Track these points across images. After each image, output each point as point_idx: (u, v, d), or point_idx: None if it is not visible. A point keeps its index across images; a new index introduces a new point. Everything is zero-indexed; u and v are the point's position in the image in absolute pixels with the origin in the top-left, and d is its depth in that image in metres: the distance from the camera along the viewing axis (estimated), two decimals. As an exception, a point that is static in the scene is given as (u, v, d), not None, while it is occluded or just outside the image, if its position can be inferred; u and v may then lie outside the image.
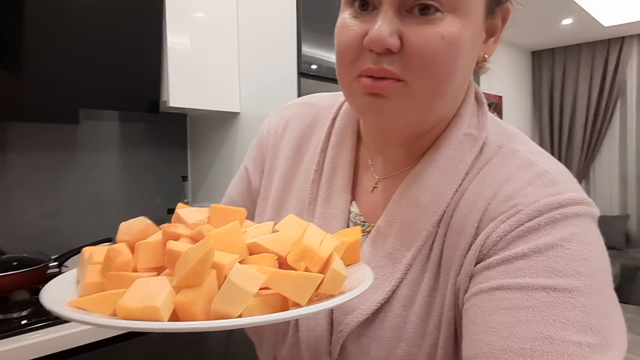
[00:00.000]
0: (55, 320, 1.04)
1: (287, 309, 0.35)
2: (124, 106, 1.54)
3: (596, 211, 0.43)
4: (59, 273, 1.33)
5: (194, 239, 0.37)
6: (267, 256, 0.37)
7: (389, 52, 0.41)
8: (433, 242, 0.46)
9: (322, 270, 0.37)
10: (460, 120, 0.49)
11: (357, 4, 0.43)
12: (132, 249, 0.38)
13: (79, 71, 1.33)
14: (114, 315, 0.32)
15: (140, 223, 0.40)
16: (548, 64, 4.67)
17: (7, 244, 1.29)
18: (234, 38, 1.69)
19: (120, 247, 0.37)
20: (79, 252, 1.55)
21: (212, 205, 0.41)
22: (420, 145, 0.50)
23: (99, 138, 1.66)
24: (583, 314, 0.37)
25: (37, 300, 1.24)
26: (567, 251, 0.39)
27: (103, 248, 0.38)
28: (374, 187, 0.53)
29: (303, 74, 1.62)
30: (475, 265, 0.43)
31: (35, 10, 1.22)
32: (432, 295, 0.45)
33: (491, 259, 0.41)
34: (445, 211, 0.46)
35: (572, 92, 4.54)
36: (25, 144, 1.48)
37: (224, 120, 1.78)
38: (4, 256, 1.24)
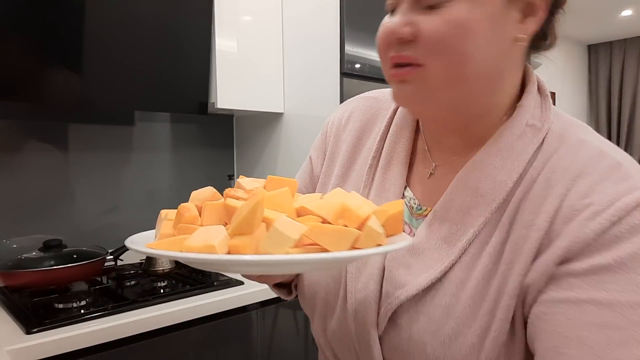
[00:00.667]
0: (111, 310, 1.10)
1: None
2: (175, 108, 1.60)
3: None
4: (115, 266, 1.40)
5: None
6: (312, 218, 0.40)
7: (407, 41, 0.45)
8: (495, 229, 0.46)
9: (360, 229, 0.40)
10: (523, 111, 0.49)
11: (389, 14, 0.49)
12: (199, 211, 0.43)
13: (134, 76, 1.39)
14: None
15: (208, 191, 0.47)
16: (605, 59, 4.42)
17: (68, 237, 1.38)
18: (279, 40, 1.71)
19: (189, 205, 0.43)
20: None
21: (269, 176, 0.46)
22: (477, 134, 0.51)
23: (152, 138, 1.73)
24: None
25: (95, 291, 1.31)
26: None
27: (174, 210, 0.45)
28: (431, 174, 0.54)
29: (346, 73, 1.62)
30: (558, 266, 0.42)
31: (94, 19, 1.29)
32: (488, 280, 0.45)
33: (575, 266, 0.41)
34: (504, 199, 0.46)
35: (632, 88, 4.26)
36: (86, 144, 1.57)
37: (268, 120, 1.81)
38: (65, 249, 1.32)
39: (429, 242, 0.50)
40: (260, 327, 1.35)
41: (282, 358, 1.44)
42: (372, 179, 0.57)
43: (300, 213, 0.41)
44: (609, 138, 4.42)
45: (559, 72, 4.14)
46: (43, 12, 1.20)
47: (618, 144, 4.37)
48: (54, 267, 1.21)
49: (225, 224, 0.41)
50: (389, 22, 0.46)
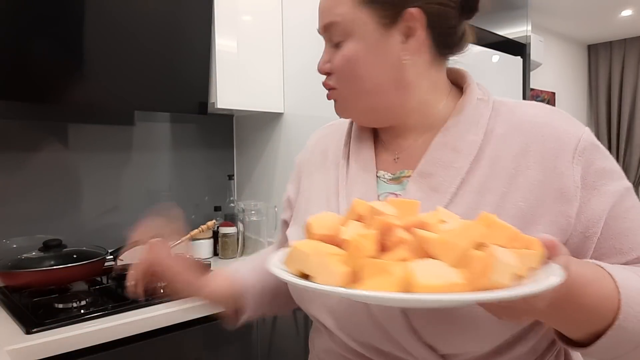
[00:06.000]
0: (111, 310, 1.10)
1: None
2: (175, 108, 1.60)
3: None
4: (115, 266, 1.40)
5: (407, 228, 0.43)
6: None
7: (328, 73, 0.65)
8: (475, 176, 0.58)
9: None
10: (471, 91, 0.63)
11: None
12: (330, 242, 0.44)
13: (133, 76, 1.39)
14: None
15: (330, 217, 0.48)
16: (605, 58, 4.41)
17: (69, 238, 1.38)
18: (279, 40, 1.71)
19: (360, 241, 0.42)
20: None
21: (390, 199, 0.50)
22: (423, 125, 0.65)
23: (152, 139, 1.73)
24: None
25: (95, 291, 1.31)
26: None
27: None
28: (397, 158, 0.66)
29: (347, 73, 1.61)
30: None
31: (94, 20, 1.29)
32: (476, 210, 0.54)
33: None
34: (477, 153, 0.59)
35: (632, 88, 4.26)
36: (86, 144, 1.57)
37: (268, 120, 1.81)
38: (65, 249, 1.32)
39: (421, 193, 0.59)
40: (260, 327, 1.35)
41: (281, 358, 1.44)
42: (346, 172, 0.67)
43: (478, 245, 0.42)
44: (609, 137, 4.41)
45: (559, 72, 4.13)
46: (42, 12, 1.20)
47: (618, 144, 4.37)
48: (54, 267, 1.21)
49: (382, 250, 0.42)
50: (320, 61, 0.65)
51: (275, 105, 1.72)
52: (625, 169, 4.35)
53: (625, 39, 4.26)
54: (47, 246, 1.30)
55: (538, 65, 2.99)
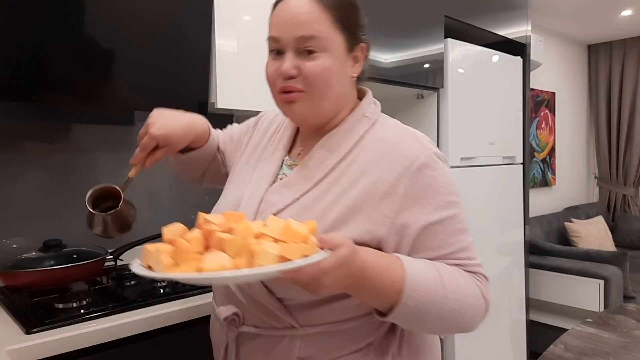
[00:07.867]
0: (110, 310, 1.10)
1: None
2: (175, 108, 1.59)
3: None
4: (115, 266, 1.40)
5: (226, 232, 0.63)
6: (267, 238, 0.62)
7: (292, 77, 0.76)
8: (341, 175, 0.77)
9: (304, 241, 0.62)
10: (360, 109, 0.83)
11: (274, 53, 0.79)
12: (172, 243, 0.62)
13: (133, 76, 1.39)
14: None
15: (178, 227, 0.66)
16: (605, 58, 4.41)
17: (69, 238, 1.37)
18: (279, 39, 1.71)
19: (182, 241, 0.62)
20: (133, 247, 1.60)
21: (225, 212, 0.68)
22: (328, 129, 0.83)
23: (151, 138, 1.73)
24: None
25: (95, 291, 1.30)
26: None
27: (162, 245, 0.64)
28: (299, 153, 0.87)
29: (347, 73, 1.61)
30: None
31: (93, 20, 1.29)
32: (331, 205, 0.75)
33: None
34: (344, 156, 0.78)
35: (632, 88, 4.26)
36: (86, 144, 1.57)
37: (268, 120, 1.81)
38: (65, 249, 1.32)
39: (296, 180, 0.80)
40: (260, 327, 1.35)
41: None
42: (269, 156, 0.89)
43: (257, 237, 0.62)
44: (609, 137, 4.41)
45: (559, 72, 4.13)
46: (42, 12, 1.20)
47: (618, 144, 4.37)
48: (54, 267, 1.21)
49: (207, 248, 0.62)
50: (281, 66, 0.76)
51: (275, 105, 1.72)
52: (625, 169, 4.35)
53: (625, 39, 4.26)
54: (47, 246, 1.30)
55: (538, 65, 2.99)
